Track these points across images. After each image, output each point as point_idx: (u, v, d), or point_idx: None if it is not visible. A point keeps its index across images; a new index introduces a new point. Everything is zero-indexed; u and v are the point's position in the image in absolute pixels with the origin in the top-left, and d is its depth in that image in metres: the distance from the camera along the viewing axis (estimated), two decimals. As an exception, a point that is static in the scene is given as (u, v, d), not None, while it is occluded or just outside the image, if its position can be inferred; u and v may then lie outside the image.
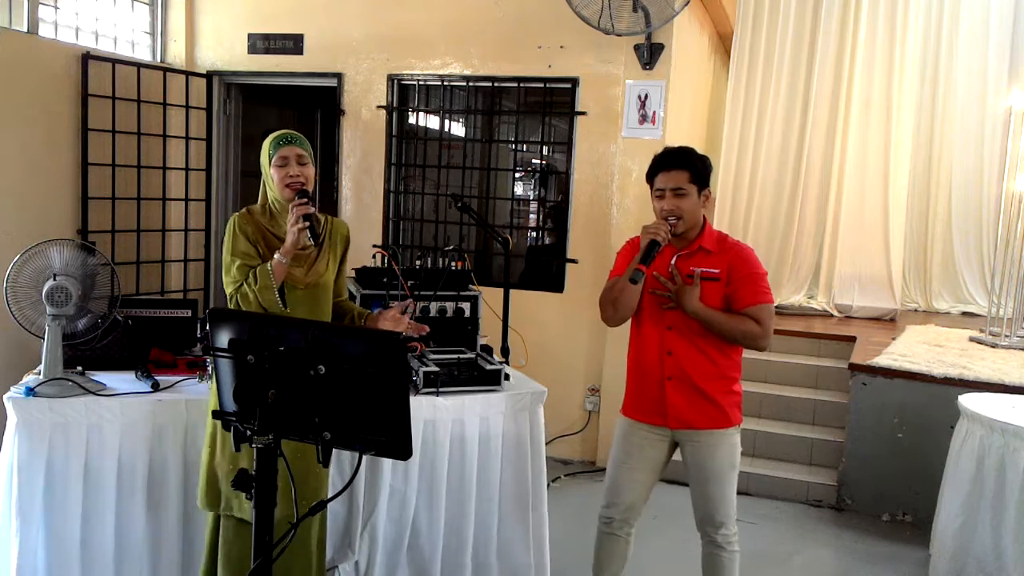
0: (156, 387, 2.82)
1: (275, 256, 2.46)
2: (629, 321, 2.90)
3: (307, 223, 2.43)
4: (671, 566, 3.85)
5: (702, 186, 2.76)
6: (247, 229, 2.56)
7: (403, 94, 5.63)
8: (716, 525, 2.85)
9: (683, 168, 2.72)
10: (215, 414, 1.73)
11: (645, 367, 2.84)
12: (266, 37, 5.72)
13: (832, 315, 6.65)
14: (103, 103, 5.15)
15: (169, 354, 3.14)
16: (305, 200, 2.45)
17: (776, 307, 6.63)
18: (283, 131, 2.59)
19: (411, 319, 2.73)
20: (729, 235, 2.90)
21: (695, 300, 2.69)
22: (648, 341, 2.82)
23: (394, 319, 2.65)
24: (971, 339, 5.66)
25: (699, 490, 2.87)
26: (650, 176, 2.80)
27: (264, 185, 2.62)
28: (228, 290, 2.54)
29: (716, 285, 2.73)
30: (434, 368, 3.00)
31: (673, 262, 2.77)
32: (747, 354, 6.01)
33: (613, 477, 2.93)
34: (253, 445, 1.66)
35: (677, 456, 2.98)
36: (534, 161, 6.10)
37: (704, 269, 2.72)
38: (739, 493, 4.78)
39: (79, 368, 2.87)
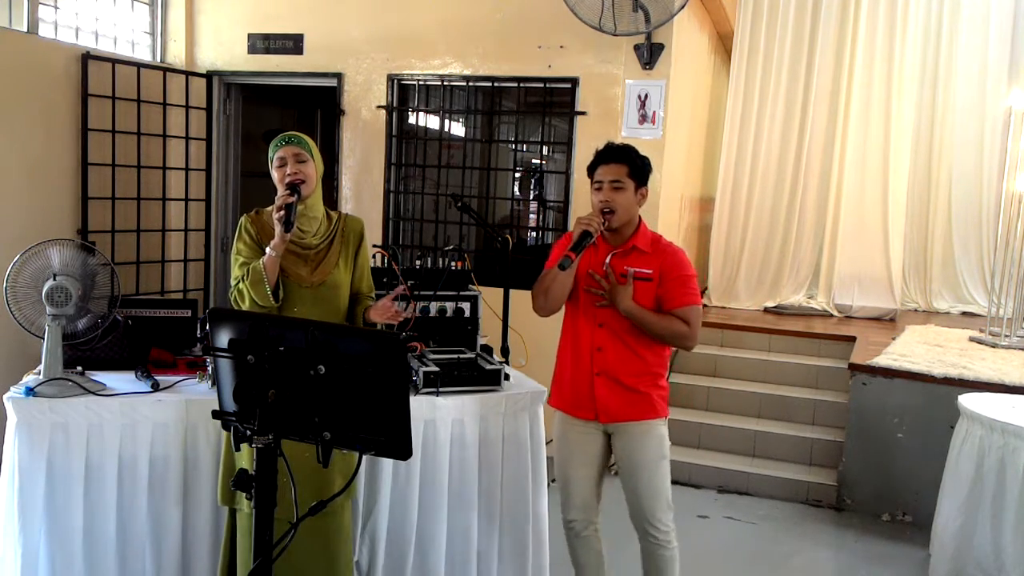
0: (156, 387, 2.82)
1: (266, 251, 2.53)
2: (563, 315, 2.97)
3: (283, 211, 2.50)
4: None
5: (640, 183, 2.83)
6: (251, 230, 2.66)
7: (403, 94, 5.63)
8: (649, 518, 2.85)
9: (622, 162, 2.81)
10: (215, 414, 1.73)
11: (575, 362, 2.91)
12: (266, 37, 5.72)
13: (832, 315, 6.66)
14: (103, 103, 5.15)
15: (169, 354, 3.14)
16: (288, 191, 2.54)
17: (776, 307, 6.70)
18: (283, 133, 2.66)
19: (404, 308, 2.77)
20: (663, 236, 2.96)
21: (628, 299, 2.76)
22: (580, 337, 2.89)
23: (383, 308, 2.68)
24: (971, 339, 5.66)
25: (630, 484, 2.89)
26: (591, 169, 2.87)
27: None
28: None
29: (649, 285, 2.80)
30: (434, 368, 3.00)
31: (608, 261, 2.83)
32: (746, 354, 6.03)
33: (563, 478, 2.99)
34: (253, 445, 1.66)
35: None
36: (534, 161, 6.10)
37: (637, 269, 2.79)
38: (739, 493, 4.84)
39: (79, 368, 2.87)
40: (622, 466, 2.90)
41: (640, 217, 2.89)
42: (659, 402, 2.87)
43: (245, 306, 2.56)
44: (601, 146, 2.88)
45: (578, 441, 2.94)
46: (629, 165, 2.80)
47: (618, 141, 5.10)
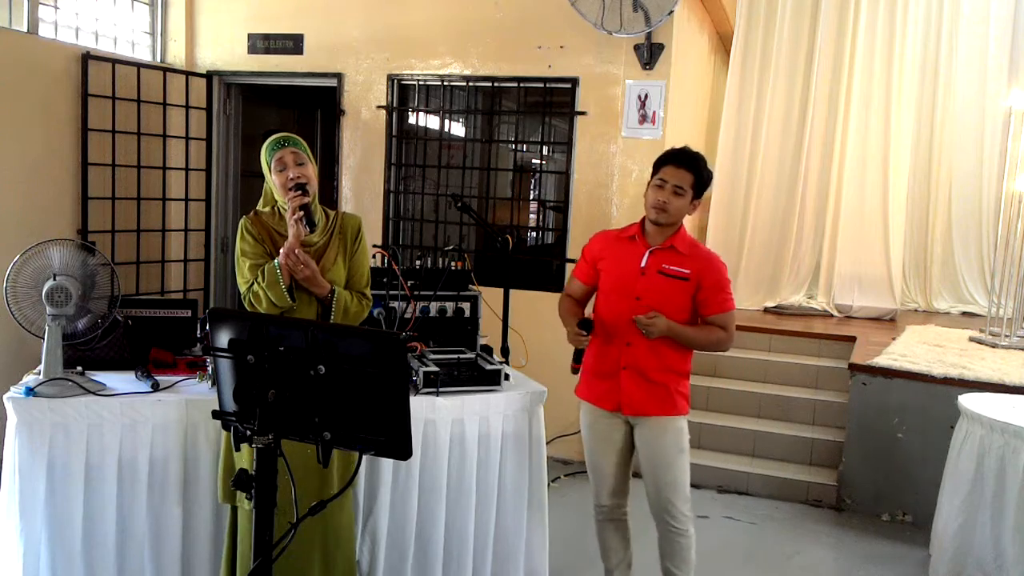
0: (156, 387, 2.82)
1: (280, 251, 2.55)
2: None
3: (302, 212, 2.54)
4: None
5: (697, 195, 2.95)
6: (253, 231, 2.67)
7: (403, 94, 5.63)
8: (668, 508, 3.00)
9: (690, 171, 2.91)
10: (215, 414, 1.73)
11: (604, 354, 3.00)
12: (266, 37, 5.72)
13: (832, 315, 6.65)
14: (103, 103, 5.15)
15: (169, 354, 3.14)
16: (300, 192, 2.56)
17: (776, 307, 6.69)
18: (277, 135, 2.67)
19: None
20: (701, 243, 3.09)
21: (663, 323, 2.85)
22: (610, 330, 2.98)
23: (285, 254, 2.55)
24: (971, 339, 5.66)
25: (650, 476, 3.02)
26: (658, 164, 2.96)
27: (268, 189, 2.72)
28: (241, 289, 2.66)
29: (685, 285, 2.92)
30: (434, 368, 3.00)
31: (646, 256, 2.94)
32: (746, 354, 6.01)
33: (592, 466, 3.14)
34: (253, 445, 1.66)
35: None
36: (534, 161, 6.10)
37: (674, 268, 2.92)
38: (739, 493, 4.84)
39: (79, 368, 2.87)
40: (642, 460, 3.03)
41: (682, 223, 3.02)
42: (679, 399, 3.00)
43: (262, 307, 2.58)
44: (675, 148, 2.98)
45: (604, 431, 3.06)
46: (696, 176, 2.91)
47: (619, 141, 5.14)
